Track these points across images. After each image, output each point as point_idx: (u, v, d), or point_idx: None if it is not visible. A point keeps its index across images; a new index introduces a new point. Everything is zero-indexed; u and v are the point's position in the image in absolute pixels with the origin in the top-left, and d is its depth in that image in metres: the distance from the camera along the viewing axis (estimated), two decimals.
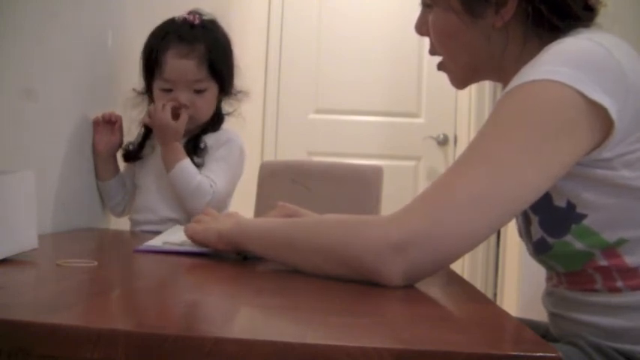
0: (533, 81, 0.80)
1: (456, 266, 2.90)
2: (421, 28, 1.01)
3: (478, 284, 3.17)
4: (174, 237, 1.12)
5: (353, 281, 0.81)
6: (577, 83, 0.78)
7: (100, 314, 0.64)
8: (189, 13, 1.50)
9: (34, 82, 1.25)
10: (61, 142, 1.39)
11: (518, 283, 2.57)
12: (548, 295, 0.99)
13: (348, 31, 3.46)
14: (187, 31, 1.47)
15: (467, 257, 3.19)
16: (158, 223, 1.48)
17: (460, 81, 1.02)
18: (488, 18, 0.91)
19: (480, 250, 3.22)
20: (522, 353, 0.54)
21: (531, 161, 0.79)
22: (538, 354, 0.54)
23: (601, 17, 0.93)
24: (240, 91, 1.57)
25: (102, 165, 1.53)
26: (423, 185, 3.33)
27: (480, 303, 0.81)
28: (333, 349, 0.53)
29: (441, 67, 1.02)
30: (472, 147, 0.82)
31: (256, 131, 3.35)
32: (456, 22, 0.93)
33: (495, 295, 3.09)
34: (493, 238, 3.07)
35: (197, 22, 1.49)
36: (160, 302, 0.73)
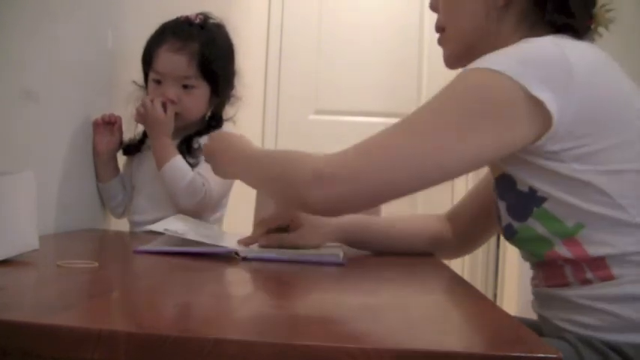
0: (479, 68, 0.88)
1: (456, 266, 2.90)
2: (435, 4, 1.07)
3: (478, 284, 3.17)
4: (175, 225, 1.13)
5: (352, 281, 0.82)
6: (518, 76, 0.84)
7: (100, 315, 0.64)
8: (197, 14, 1.51)
9: (35, 83, 1.25)
10: (62, 143, 1.39)
11: (518, 283, 2.56)
12: (535, 297, 1.02)
13: (348, 32, 3.45)
14: (184, 28, 1.48)
15: (467, 258, 3.19)
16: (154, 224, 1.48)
17: (454, 56, 1.05)
18: None
19: (480, 251, 3.22)
20: (522, 354, 0.54)
21: (454, 134, 0.88)
22: (538, 354, 0.54)
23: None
24: (235, 97, 1.57)
25: (102, 166, 1.53)
26: None
27: (480, 303, 0.81)
28: (333, 349, 0.53)
29: (441, 42, 1.07)
30: (412, 113, 0.93)
31: (256, 132, 3.35)
32: None
33: (495, 295, 3.08)
34: (493, 239, 3.07)
35: (197, 21, 1.50)
36: (160, 303, 0.73)
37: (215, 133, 1.29)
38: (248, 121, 2.75)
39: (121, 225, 1.62)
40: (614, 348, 0.85)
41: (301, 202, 0.93)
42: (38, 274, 0.87)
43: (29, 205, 0.91)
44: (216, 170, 1.15)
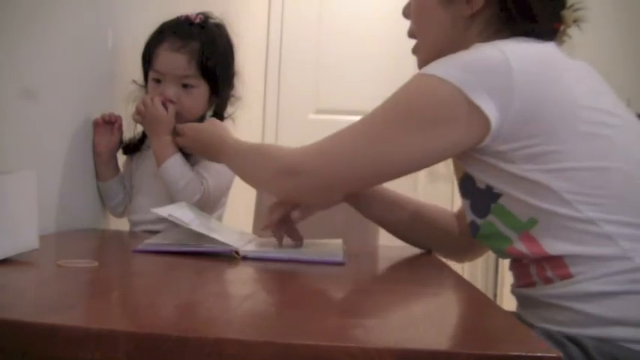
0: (426, 74, 0.94)
1: (456, 266, 2.89)
2: (407, 11, 1.13)
3: (478, 284, 3.17)
4: (180, 212, 1.14)
5: (352, 281, 0.82)
6: (459, 82, 0.89)
7: (100, 315, 0.64)
8: (198, 13, 1.51)
9: (35, 82, 1.25)
10: (62, 143, 1.39)
11: None
12: (517, 300, 1.03)
13: (349, 31, 3.45)
14: (184, 28, 1.48)
15: None
16: (154, 223, 1.47)
17: (425, 63, 1.06)
18: (459, 5, 1.00)
19: None
20: (523, 353, 0.54)
21: (398, 136, 0.94)
22: (538, 354, 0.54)
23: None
24: (235, 96, 1.57)
25: (102, 166, 1.53)
26: (422, 184, 3.32)
27: (481, 303, 0.81)
28: (333, 349, 0.53)
29: (414, 50, 1.11)
30: (368, 114, 0.99)
31: (256, 131, 3.35)
32: (432, 1, 1.04)
33: (495, 295, 3.08)
34: None
35: (197, 21, 1.50)
36: (160, 303, 0.73)
37: (189, 126, 1.36)
38: (248, 121, 2.75)
39: (121, 225, 1.62)
40: (574, 340, 0.87)
41: (274, 191, 1.09)
42: (38, 273, 0.87)
43: (29, 205, 0.90)
44: (209, 159, 1.30)
